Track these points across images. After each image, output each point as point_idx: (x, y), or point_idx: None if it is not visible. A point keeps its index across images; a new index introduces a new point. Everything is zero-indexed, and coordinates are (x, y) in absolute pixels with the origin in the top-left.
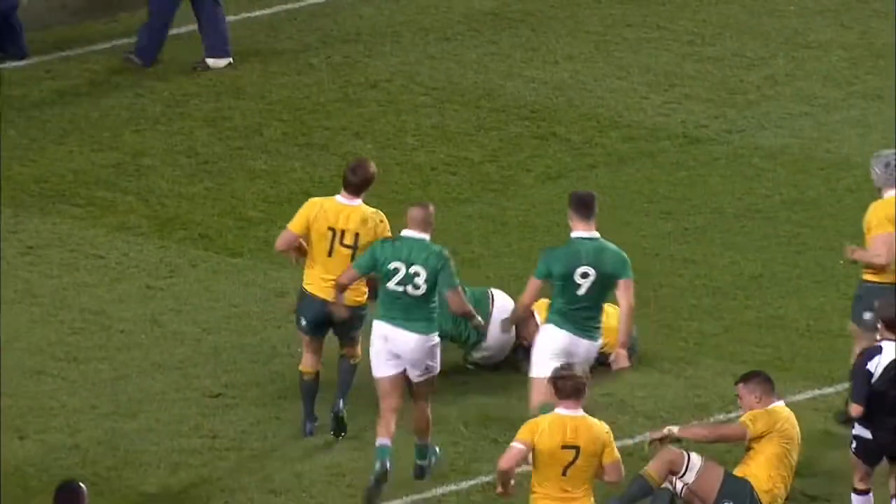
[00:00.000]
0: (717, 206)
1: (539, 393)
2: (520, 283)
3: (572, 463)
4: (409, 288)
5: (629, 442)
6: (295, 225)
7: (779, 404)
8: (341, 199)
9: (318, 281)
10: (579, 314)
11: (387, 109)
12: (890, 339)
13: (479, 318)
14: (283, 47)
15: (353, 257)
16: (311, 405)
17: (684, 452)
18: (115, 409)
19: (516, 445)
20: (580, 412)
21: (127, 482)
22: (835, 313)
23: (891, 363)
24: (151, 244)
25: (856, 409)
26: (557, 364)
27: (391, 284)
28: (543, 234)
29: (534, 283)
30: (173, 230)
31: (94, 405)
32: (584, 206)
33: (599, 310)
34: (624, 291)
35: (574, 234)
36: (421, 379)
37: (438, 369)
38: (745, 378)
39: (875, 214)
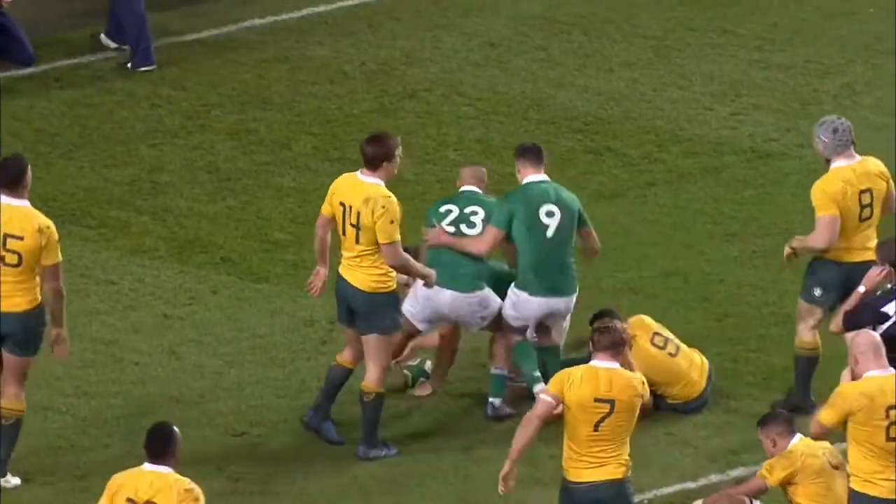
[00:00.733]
0: (788, 227)
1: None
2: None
3: (606, 418)
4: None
5: (691, 485)
6: (324, 206)
7: (794, 441)
8: (360, 174)
9: (342, 260)
10: (552, 265)
11: (426, 121)
12: None
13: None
14: (314, 54)
15: (357, 238)
16: (323, 397)
17: (745, 499)
18: (129, 450)
19: (543, 397)
20: (616, 365)
21: None
22: None
23: None
24: (169, 269)
25: (837, 325)
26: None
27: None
28: (598, 259)
29: (492, 233)
30: (193, 253)
31: (107, 444)
32: (534, 153)
33: (570, 254)
34: (589, 237)
35: (527, 180)
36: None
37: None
38: (762, 422)
39: (818, 195)
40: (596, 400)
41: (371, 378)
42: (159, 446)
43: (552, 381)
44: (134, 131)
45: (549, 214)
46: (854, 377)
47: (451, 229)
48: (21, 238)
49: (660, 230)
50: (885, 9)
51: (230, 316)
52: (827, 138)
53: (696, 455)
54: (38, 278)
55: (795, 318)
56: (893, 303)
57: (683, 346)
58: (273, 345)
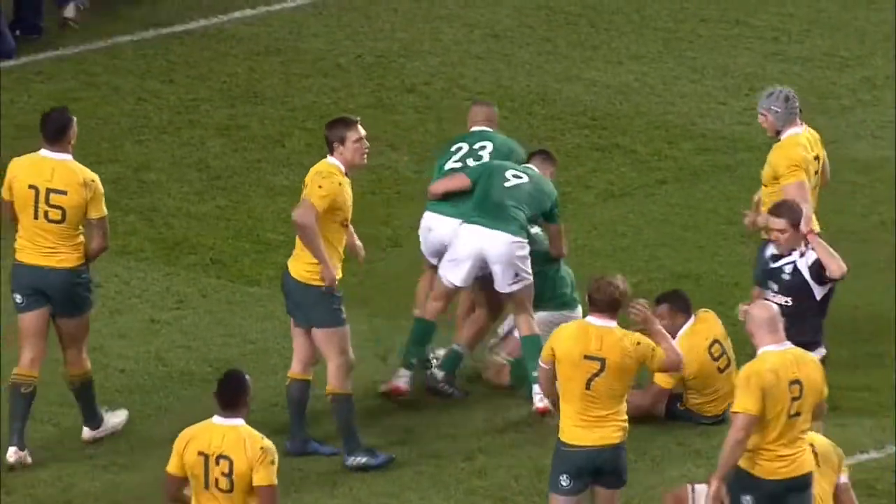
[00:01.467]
0: None
1: (427, 289)
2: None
3: (596, 376)
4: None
5: None
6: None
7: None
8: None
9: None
10: (494, 204)
11: (426, 117)
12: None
13: None
14: (308, 46)
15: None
16: (293, 421)
17: (687, 485)
18: (113, 461)
19: (541, 365)
20: (612, 323)
21: None
22: None
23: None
24: (156, 271)
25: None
26: (468, 268)
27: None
28: (605, 258)
29: (459, 178)
30: (181, 255)
31: (91, 455)
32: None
33: (520, 212)
34: (555, 236)
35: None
36: None
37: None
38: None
39: (783, 163)
40: (585, 357)
41: (329, 378)
42: (231, 396)
43: (545, 345)
44: (119, 127)
45: (517, 176)
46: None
47: (458, 165)
48: (65, 193)
49: (671, 231)
50: None
51: (220, 321)
52: (780, 108)
53: (708, 465)
54: (82, 237)
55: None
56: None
57: (733, 367)
58: (265, 351)
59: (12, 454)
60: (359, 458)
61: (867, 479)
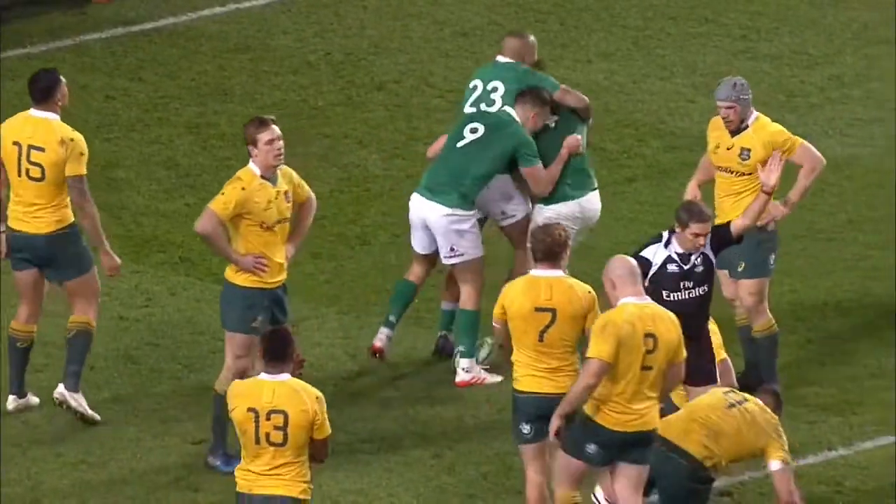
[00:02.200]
0: None
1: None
2: None
3: (549, 327)
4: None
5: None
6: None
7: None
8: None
9: None
10: (442, 170)
11: (395, 114)
12: None
13: None
14: (277, 43)
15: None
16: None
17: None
18: (82, 458)
19: (495, 325)
20: (558, 273)
21: None
22: None
23: None
24: (125, 269)
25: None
26: (419, 235)
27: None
28: (575, 256)
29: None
30: (150, 253)
31: (60, 453)
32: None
33: (473, 176)
34: (531, 175)
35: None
36: None
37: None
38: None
39: (776, 137)
40: (536, 309)
41: (220, 377)
42: (281, 349)
43: (496, 304)
44: (87, 125)
45: (473, 131)
46: (610, 302)
47: (472, 110)
48: (42, 150)
49: (640, 228)
50: None
51: (189, 318)
52: (748, 95)
53: None
54: (67, 198)
55: (748, 303)
56: (653, 247)
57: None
58: None
59: (11, 402)
60: (215, 461)
61: (835, 476)
